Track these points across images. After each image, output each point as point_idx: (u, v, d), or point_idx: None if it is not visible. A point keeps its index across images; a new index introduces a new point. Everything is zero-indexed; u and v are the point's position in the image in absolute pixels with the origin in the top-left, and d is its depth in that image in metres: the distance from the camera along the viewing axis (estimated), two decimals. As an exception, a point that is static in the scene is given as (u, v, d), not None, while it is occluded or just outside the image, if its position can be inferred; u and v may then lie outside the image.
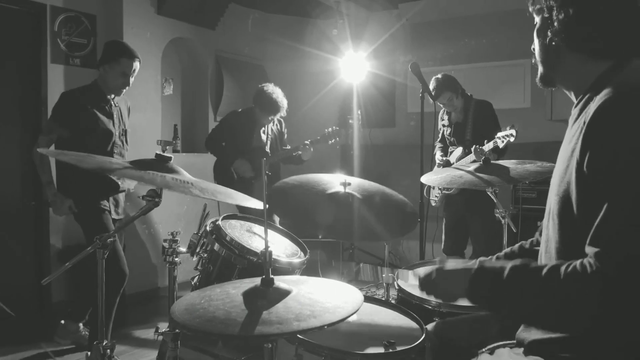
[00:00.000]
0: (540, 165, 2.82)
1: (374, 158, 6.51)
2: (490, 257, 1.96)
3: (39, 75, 4.71)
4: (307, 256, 2.64)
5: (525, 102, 5.78)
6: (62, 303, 4.74)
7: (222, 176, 4.74)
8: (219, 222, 2.53)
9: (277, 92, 4.63)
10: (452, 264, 1.54)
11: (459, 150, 4.44)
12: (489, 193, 2.99)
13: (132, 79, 3.78)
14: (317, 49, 6.57)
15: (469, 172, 2.88)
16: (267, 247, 1.47)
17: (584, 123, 1.28)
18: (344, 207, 2.43)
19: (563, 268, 1.26)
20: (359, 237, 3.15)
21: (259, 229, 2.79)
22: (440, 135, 4.76)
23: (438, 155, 4.65)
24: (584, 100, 1.41)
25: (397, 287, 2.51)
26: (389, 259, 2.92)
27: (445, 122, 4.65)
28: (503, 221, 3.04)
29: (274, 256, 2.42)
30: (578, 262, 1.24)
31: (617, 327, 1.21)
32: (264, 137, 4.83)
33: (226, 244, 2.43)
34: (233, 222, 2.74)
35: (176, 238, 2.19)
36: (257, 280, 1.52)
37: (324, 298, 1.44)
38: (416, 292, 2.41)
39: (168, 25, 5.60)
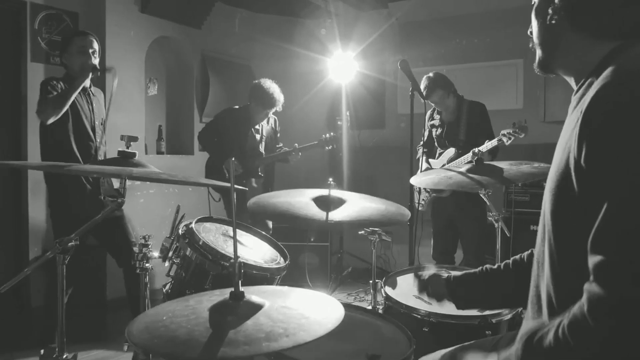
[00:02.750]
0: (536, 166, 2.70)
1: (363, 160, 6.39)
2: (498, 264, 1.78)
3: (19, 74, 4.57)
4: (287, 262, 2.50)
5: (518, 103, 5.66)
6: (41, 308, 4.60)
7: (215, 174, 4.64)
8: (193, 225, 2.38)
9: (273, 87, 4.63)
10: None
11: (450, 151, 4.28)
12: (481, 195, 2.87)
13: None
14: (305, 48, 6.45)
15: (460, 173, 2.76)
16: (236, 256, 1.31)
17: (581, 112, 1.14)
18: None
19: (565, 326, 1.10)
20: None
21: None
22: (425, 138, 4.53)
23: (424, 160, 4.48)
24: (584, 86, 1.28)
25: (384, 295, 2.38)
26: (377, 263, 2.79)
27: (436, 122, 4.46)
28: (496, 225, 2.92)
29: (250, 262, 2.29)
30: (576, 308, 1.10)
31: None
32: (257, 136, 4.78)
33: (199, 248, 2.28)
34: (208, 225, 2.58)
35: (148, 242, 2.06)
36: (227, 292, 1.37)
37: (300, 313, 1.29)
38: (404, 300, 2.28)
39: (152, 24, 5.46)
